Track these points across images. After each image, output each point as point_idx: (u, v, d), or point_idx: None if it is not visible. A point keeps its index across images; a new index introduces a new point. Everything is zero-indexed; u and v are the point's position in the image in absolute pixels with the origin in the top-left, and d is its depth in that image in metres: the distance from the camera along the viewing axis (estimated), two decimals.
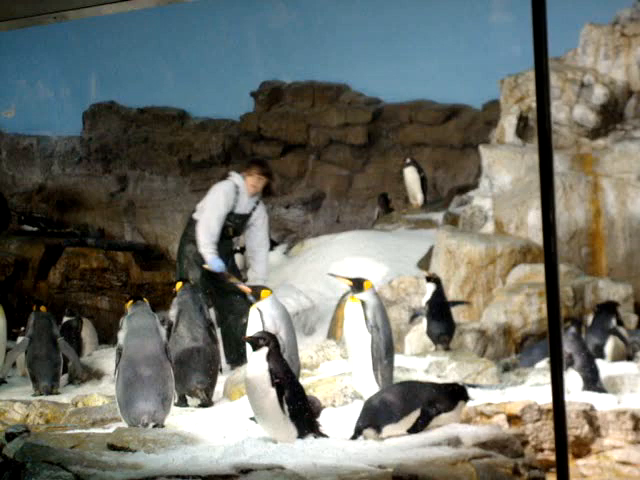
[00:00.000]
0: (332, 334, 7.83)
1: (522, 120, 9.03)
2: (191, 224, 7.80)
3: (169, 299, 6.80)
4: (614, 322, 6.51)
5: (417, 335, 7.01)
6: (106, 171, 14.24)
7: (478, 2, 12.07)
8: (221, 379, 6.20)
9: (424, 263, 8.64)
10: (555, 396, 2.70)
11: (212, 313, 7.07)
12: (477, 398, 4.99)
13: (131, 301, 5.32)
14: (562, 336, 2.69)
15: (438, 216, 10.31)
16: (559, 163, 8.12)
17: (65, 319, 9.03)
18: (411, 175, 11.67)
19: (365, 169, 13.48)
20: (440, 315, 6.70)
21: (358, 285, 5.40)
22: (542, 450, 4.23)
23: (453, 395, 4.54)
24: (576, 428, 4.25)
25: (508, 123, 9.04)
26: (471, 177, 11.43)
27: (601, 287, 7.28)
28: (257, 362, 4.41)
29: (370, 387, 5.21)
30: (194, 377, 5.89)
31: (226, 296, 7.61)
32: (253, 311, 5.47)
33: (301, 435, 4.38)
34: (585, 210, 7.95)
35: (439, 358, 6.28)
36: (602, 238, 7.91)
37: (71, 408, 5.89)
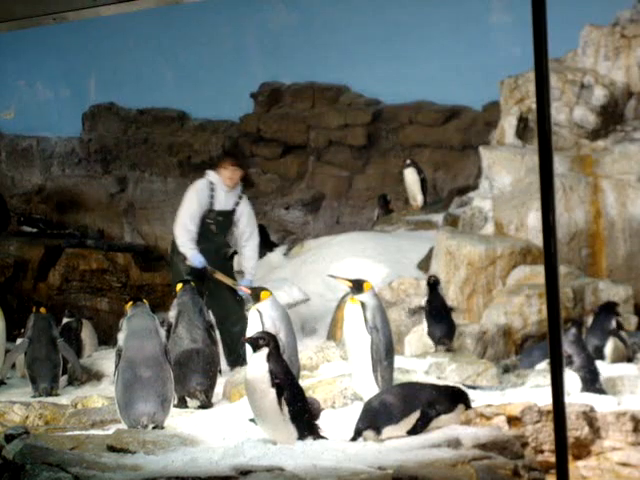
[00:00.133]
0: (332, 335, 7.82)
1: (522, 121, 9.02)
2: None
3: (169, 300, 6.81)
4: (614, 323, 6.51)
5: (417, 336, 7.01)
6: (106, 172, 14.23)
7: (478, 3, 12.05)
8: (221, 380, 6.19)
9: (424, 264, 8.63)
10: (555, 397, 2.70)
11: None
12: (477, 399, 4.99)
13: (131, 302, 5.33)
14: (562, 337, 2.68)
15: (438, 217, 10.30)
16: (559, 164, 8.11)
17: (65, 320, 9.02)
18: (411, 176, 11.65)
19: (365, 170, 13.46)
20: (440, 317, 6.71)
21: (358, 286, 5.40)
22: (542, 451, 4.23)
23: (453, 397, 4.54)
24: (576, 429, 4.25)
25: (508, 124, 9.03)
26: (471, 178, 11.40)
27: (601, 288, 7.28)
28: (257, 363, 4.41)
29: (370, 388, 5.20)
30: (194, 378, 5.89)
31: (221, 296, 7.61)
32: (253, 312, 5.46)
33: (301, 436, 4.38)
34: (585, 211, 7.94)
35: (439, 359, 6.28)
36: (602, 239, 7.90)
37: (70, 409, 5.89)
